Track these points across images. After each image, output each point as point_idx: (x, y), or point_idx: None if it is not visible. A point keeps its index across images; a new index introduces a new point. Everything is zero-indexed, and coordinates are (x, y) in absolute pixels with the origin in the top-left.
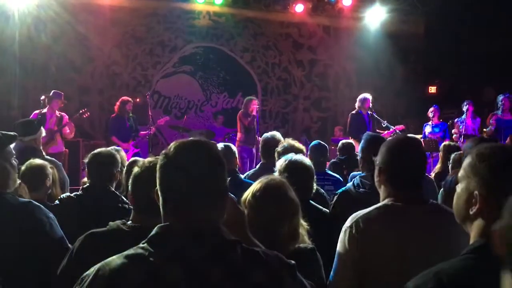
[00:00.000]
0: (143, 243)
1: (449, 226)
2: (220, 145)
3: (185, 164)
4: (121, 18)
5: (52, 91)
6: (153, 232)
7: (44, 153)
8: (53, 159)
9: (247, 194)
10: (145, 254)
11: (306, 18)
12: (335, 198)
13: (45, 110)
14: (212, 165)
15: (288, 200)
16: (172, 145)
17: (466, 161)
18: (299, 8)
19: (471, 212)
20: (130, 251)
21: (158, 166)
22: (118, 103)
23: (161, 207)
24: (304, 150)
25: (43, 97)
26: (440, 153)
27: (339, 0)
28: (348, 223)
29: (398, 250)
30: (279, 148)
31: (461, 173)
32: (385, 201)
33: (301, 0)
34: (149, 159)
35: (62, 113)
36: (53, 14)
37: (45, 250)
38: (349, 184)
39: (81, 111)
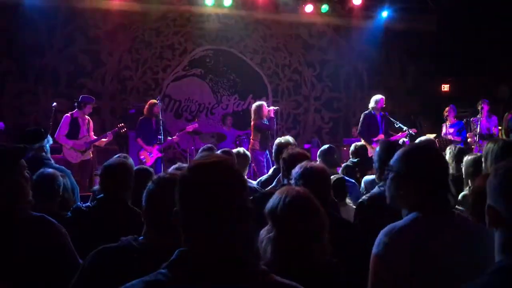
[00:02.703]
0: (163, 268)
1: (475, 238)
2: (236, 150)
3: (206, 185)
4: (130, 23)
5: (82, 96)
6: (174, 256)
7: (52, 161)
8: (62, 167)
9: (274, 206)
10: (165, 280)
11: (316, 18)
12: (356, 208)
13: (76, 115)
14: (233, 186)
15: (320, 212)
16: (191, 164)
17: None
18: (309, 8)
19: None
20: (151, 277)
21: (177, 187)
22: (146, 106)
23: (181, 230)
24: (310, 156)
25: (54, 104)
26: (449, 156)
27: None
28: (378, 239)
29: (429, 264)
30: (284, 155)
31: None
32: (413, 214)
33: (311, 0)
34: (163, 174)
35: (89, 118)
36: (63, 19)
37: (57, 269)
38: (369, 194)
39: (119, 126)
